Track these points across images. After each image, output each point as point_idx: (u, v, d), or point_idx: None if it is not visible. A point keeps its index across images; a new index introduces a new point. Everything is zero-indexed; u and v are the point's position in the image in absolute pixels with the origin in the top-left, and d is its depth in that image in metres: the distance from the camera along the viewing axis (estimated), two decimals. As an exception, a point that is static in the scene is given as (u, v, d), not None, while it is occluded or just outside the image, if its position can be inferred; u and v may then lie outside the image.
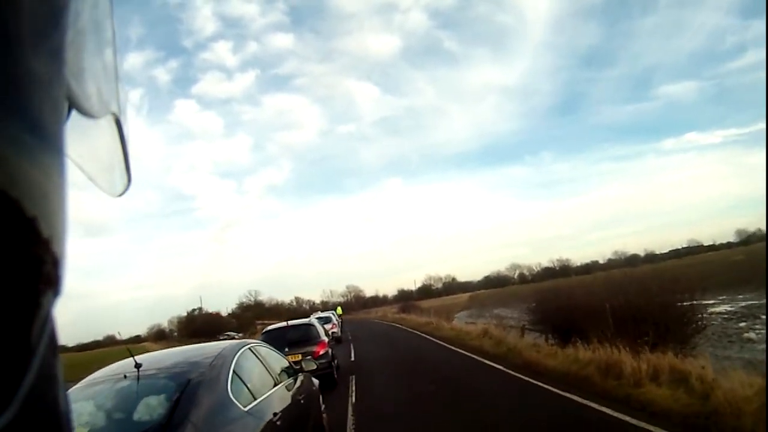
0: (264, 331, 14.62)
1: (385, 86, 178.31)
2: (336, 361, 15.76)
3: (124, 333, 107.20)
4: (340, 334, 30.47)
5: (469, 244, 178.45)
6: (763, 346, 17.91)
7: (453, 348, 18.97)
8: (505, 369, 12.96)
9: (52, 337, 0.35)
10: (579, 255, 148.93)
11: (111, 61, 0.50)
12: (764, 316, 23.72)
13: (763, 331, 20.91)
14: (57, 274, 0.34)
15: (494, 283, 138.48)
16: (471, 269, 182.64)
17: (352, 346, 25.44)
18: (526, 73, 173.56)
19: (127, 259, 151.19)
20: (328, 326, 29.05)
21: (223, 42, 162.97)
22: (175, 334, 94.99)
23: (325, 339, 14.00)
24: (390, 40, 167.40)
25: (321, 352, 13.44)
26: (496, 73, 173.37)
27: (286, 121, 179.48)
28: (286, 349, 13.31)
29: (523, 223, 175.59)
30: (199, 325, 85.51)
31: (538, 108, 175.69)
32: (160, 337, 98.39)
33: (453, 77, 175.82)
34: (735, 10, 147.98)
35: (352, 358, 20.08)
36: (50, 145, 0.34)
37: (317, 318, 31.33)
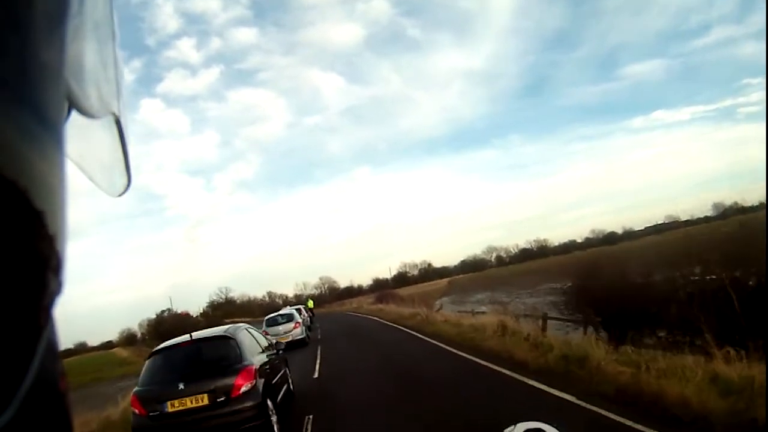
0: (152, 352, 8.52)
1: (350, 76, 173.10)
2: (285, 390, 9.69)
3: (97, 339, 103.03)
4: (305, 334, 24.08)
5: (443, 230, 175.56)
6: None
7: (463, 354, 12.69)
8: (594, 408, 6.87)
9: (53, 336, 0.34)
10: (554, 235, 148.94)
11: (111, 61, 0.49)
12: None
13: None
14: (60, 272, 0.33)
15: (471, 267, 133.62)
16: (446, 255, 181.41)
17: (319, 351, 19.07)
18: (492, 57, 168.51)
19: (99, 263, 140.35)
20: (288, 326, 22.94)
21: (186, 39, 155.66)
22: (147, 337, 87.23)
23: (254, 364, 7.76)
24: (353, 30, 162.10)
25: (244, 389, 7.37)
26: (462, 59, 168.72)
27: (252, 116, 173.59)
28: (181, 386, 7.31)
29: (496, 206, 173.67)
30: (167, 327, 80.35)
31: (505, 91, 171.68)
32: (130, 342, 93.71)
33: (418, 64, 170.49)
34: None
35: (316, 374, 13.82)
36: (56, 138, 0.33)
37: (280, 315, 25.12)
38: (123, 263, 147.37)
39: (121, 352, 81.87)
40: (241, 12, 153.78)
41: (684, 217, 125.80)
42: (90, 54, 0.42)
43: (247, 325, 9.87)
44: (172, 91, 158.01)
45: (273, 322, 23.75)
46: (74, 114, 0.40)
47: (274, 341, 11.11)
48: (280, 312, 26.27)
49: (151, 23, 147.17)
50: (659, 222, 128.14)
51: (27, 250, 0.29)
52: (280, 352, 10.36)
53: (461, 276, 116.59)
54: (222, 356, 7.82)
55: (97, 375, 56.48)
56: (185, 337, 8.43)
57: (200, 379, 7.39)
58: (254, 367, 7.76)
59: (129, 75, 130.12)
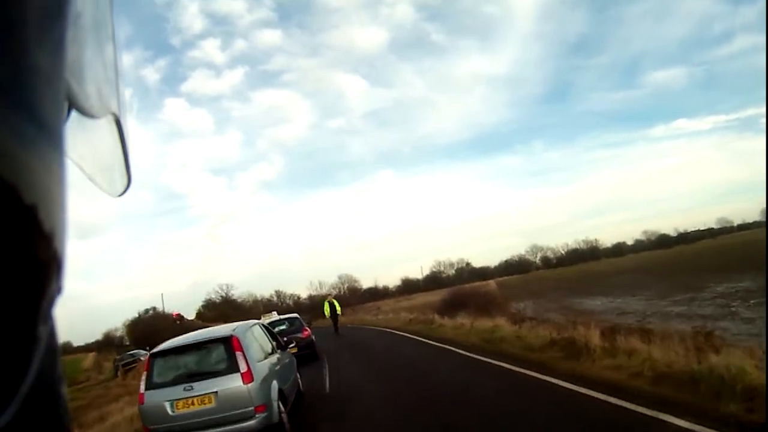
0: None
1: (373, 79, 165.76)
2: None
3: (84, 338, 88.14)
4: None
5: (471, 233, 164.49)
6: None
7: None
8: None
9: (53, 336, 0.34)
10: (578, 240, 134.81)
11: (111, 61, 0.49)
12: None
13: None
14: (59, 270, 0.32)
15: (515, 268, 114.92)
16: (477, 257, 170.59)
17: None
18: (515, 62, 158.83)
19: (121, 260, 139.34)
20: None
21: (211, 39, 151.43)
22: (124, 340, 76.64)
23: None
24: (377, 33, 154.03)
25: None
26: (485, 64, 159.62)
27: (275, 117, 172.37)
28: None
29: (519, 211, 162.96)
30: (141, 330, 66.93)
31: (528, 97, 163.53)
32: (102, 346, 77.30)
33: (441, 68, 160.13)
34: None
35: None
36: (51, 138, 0.32)
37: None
38: (145, 260, 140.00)
39: (88, 359, 69.56)
40: (266, 14, 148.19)
41: (737, 222, 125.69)
42: (90, 54, 0.42)
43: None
44: (196, 91, 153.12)
45: None
46: (74, 114, 0.39)
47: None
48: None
49: (175, 23, 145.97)
50: (708, 227, 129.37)
51: (23, 250, 0.28)
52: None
53: (510, 277, 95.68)
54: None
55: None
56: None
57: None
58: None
59: (153, 74, 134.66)
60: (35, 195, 0.29)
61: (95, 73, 0.42)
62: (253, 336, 8.05)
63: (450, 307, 27.02)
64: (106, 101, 0.45)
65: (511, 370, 10.02)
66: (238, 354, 6.92)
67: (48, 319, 0.31)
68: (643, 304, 30.84)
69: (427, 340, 16.95)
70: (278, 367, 8.23)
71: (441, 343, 15.65)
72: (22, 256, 0.28)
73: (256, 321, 9.33)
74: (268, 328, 9.52)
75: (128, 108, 0.50)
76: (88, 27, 0.41)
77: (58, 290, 0.32)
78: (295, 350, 15.80)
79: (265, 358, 7.92)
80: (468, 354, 12.66)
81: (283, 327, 17.43)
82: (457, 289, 36.62)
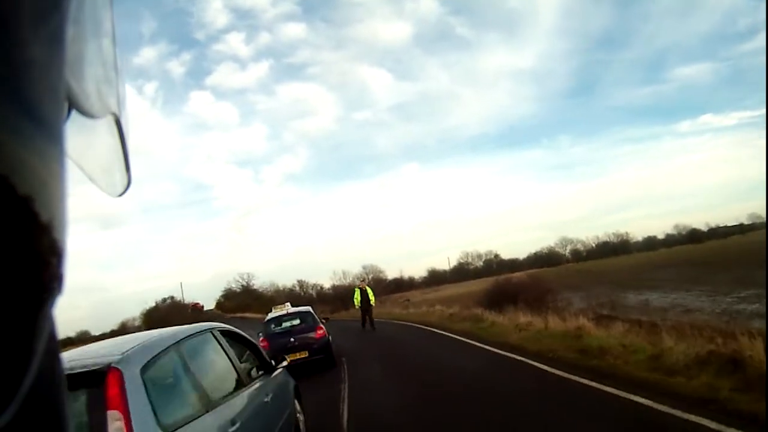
0: None
1: (398, 73, 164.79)
2: None
3: (104, 328, 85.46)
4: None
5: (498, 227, 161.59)
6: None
7: None
8: None
9: (52, 334, 0.33)
10: (603, 235, 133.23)
11: (111, 61, 0.49)
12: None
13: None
14: (59, 263, 0.31)
15: (545, 260, 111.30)
16: (504, 249, 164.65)
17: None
18: (540, 56, 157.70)
19: (146, 250, 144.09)
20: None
21: (235, 33, 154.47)
22: (142, 329, 71.56)
23: None
24: (402, 27, 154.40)
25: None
26: (510, 58, 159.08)
27: (301, 110, 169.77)
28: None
29: (549, 204, 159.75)
30: (155, 319, 64.79)
31: (554, 91, 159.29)
32: (116, 334, 74.58)
33: (466, 62, 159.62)
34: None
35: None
36: (48, 131, 0.32)
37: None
38: (169, 250, 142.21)
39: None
40: (290, 7, 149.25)
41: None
42: (89, 53, 0.42)
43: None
44: (221, 84, 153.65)
45: None
46: (74, 114, 0.39)
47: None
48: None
49: (199, 18, 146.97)
50: (738, 223, 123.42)
51: (19, 239, 0.28)
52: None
53: (542, 270, 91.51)
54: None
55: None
56: None
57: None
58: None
59: (179, 68, 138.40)
60: (30, 186, 0.28)
61: (95, 72, 0.42)
62: (181, 365, 3.62)
63: (495, 300, 22.74)
64: (106, 101, 0.44)
65: (666, 414, 5.70)
66: (113, 416, 2.69)
67: (49, 314, 0.30)
68: (706, 301, 26.83)
69: (484, 346, 12.43)
70: (240, 422, 3.80)
71: (504, 350, 11.22)
72: (18, 246, 0.27)
73: (210, 325, 4.60)
74: (243, 338, 5.33)
75: (128, 106, 0.49)
76: (87, 27, 0.40)
77: (60, 283, 0.31)
78: (305, 355, 12.02)
79: (207, 409, 3.48)
80: (559, 373, 8.16)
81: (294, 322, 13.49)
82: (505, 279, 32.18)
